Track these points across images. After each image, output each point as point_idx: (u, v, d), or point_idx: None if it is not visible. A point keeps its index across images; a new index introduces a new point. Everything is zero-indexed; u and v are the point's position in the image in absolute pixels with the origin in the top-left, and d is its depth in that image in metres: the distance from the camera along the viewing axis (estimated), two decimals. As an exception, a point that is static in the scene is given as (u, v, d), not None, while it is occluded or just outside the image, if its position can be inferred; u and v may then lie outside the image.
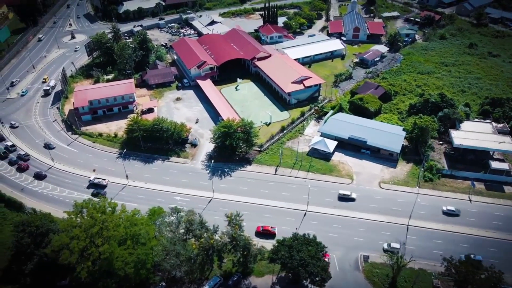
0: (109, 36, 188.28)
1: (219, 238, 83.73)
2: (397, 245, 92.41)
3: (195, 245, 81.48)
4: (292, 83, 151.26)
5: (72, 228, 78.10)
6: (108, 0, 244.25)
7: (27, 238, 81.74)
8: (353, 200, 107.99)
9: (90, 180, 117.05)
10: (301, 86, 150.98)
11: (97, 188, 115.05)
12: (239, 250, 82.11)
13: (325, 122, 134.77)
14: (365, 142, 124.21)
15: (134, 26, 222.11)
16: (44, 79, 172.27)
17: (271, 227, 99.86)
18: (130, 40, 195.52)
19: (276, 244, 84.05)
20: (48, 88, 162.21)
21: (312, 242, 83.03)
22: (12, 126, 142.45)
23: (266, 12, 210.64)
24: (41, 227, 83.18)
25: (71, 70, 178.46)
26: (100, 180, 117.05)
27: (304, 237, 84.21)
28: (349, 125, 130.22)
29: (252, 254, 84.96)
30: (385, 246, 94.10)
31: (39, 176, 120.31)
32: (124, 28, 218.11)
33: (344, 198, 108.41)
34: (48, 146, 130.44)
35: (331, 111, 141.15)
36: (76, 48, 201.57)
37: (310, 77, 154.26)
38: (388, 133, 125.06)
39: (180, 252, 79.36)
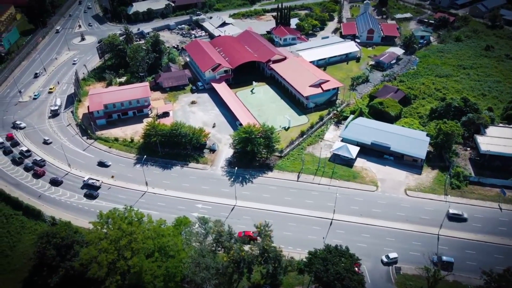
0: (121, 38, 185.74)
1: (250, 249, 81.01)
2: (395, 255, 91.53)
3: (226, 257, 78.75)
4: (309, 86, 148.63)
5: (100, 240, 75.43)
6: (118, 1, 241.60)
7: (52, 250, 79.09)
8: (465, 220, 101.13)
9: (84, 181, 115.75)
10: (319, 90, 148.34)
11: (90, 189, 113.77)
12: (270, 262, 79.41)
13: (346, 127, 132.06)
14: (388, 148, 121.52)
15: (138, 29, 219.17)
16: (50, 88, 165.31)
17: (253, 232, 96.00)
18: (142, 42, 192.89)
19: (309, 256, 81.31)
20: (56, 108, 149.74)
21: (345, 254, 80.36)
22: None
23: (278, 13, 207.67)
24: (66, 238, 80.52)
25: (83, 73, 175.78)
26: (94, 181, 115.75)
27: (336, 249, 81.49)
28: (371, 130, 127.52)
29: (283, 266, 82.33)
30: (384, 258, 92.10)
31: (55, 182, 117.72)
32: (134, 29, 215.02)
33: (454, 218, 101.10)
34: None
35: (351, 116, 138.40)
36: (74, 61, 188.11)
37: (328, 81, 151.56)
38: (412, 139, 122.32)
39: (211, 265, 76.68)
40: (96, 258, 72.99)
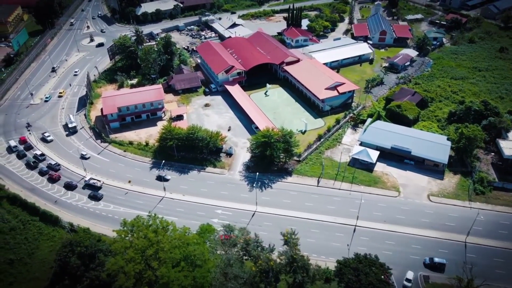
0: (132, 39, 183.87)
1: (278, 259, 79.07)
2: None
3: (254, 267, 76.84)
4: (325, 89, 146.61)
5: (125, 250, 73.50)
6: (126, 2, 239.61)
7: (76, 259, 77.13)
8: None
9: (86, 181, 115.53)
10: (335, 93, 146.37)
11: (91, 189, 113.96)
12: (299, 272, 77.46)
13: (365, 130, 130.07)
14: (409, 152, 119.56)
15: (152, 33, 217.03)
16: (60, 92, 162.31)
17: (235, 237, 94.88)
18: (153, 43, 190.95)
19: (339, 266, 79.39)
20: (74, 125, 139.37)
21: (375, 263, 78.45)
22: (45, 139, 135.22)
23: (290, 14, 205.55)
24: (90, 247, 78.57)
25: (94, 75, 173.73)
26: (95, 181, 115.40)
27: (366, 258, 79.59)
28: (390, 134, 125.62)
29: (310, 275, 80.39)
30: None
31: (70, 187, 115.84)
32: (146, 30, 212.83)
33: None
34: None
35: (369, 119, 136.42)
36: (76, 72, 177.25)
37: (344, 83, 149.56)
38: (432, 143, 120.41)
39: (239, 274, 74.80)
40: (123, 268, 71.00)
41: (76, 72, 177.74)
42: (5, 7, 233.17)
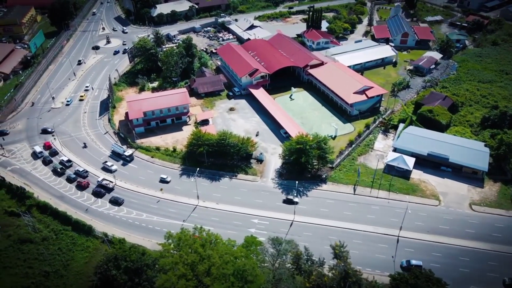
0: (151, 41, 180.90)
1: (331, 274, 76.05)
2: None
3: (307, 283, 73.82)
4: (354, 93, 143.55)
5: (175, 265, 70.46)
6: (141, 3, 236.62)
7: (123, 275, 74.04)
8: None
9: (98, 181, 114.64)
10: (363, 97, 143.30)
11: (104, 189, 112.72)
12: (354, 287, 74.52)
13: (398, 136, 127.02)
14: (447, 159, 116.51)
15: (168, 34, 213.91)
16: (81, 96, 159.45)
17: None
18: (171, 45, 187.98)
19: (395, 282, 76.35)
20: (130, 153, 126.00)
21: (432, 278, 75.42)
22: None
23: (310, 16, 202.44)
24: (136, 262, 75.47)
25: (114, 78, 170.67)
26: (107, 182, 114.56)
27: (421, 273, 76.55)
28: (425, 139, 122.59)
29: (363, 290, 77.46)
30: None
31: (98, 194, 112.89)
32: (162, 32, 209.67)
33: None
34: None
35: (402, 124, 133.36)
36: (87, 87, 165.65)
37: (372, 87, 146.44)
38: (471, 149, 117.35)
39: (292, 291, 71.92)
40: (175, 285, 67.95)
41: (87, 87, 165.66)
42: (19, 8, 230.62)
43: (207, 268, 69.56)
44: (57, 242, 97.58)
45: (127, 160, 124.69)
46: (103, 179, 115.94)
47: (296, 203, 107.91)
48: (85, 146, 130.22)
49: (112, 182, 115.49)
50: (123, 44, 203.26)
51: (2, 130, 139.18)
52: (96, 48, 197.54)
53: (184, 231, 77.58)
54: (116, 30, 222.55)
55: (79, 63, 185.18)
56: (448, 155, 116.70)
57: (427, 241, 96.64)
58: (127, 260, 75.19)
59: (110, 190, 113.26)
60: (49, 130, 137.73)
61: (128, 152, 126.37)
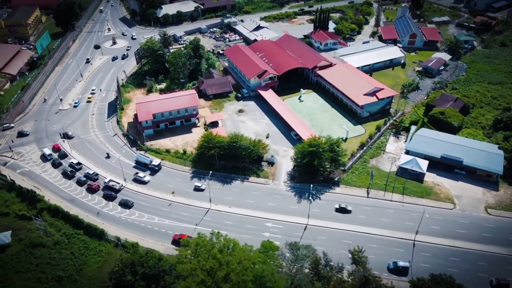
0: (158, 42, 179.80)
1: (350, 280, 74.96)
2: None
3: (327, 289, 72.87)
4: (364, 95, 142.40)
5: (193, 271, 69.35)
6: (146, 4, 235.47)
7: (141, 281, 72.94)
8: None
9: (105, 182, 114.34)
10: (374, 99, 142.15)
11: (110, 191, 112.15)
12: (375, 294, 73.49)
13: (411, 139, 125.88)
14: (461, 162, 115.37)
15: (174, 34, 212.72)
16: (88, 97, 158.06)
17: (188, 236, 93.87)
18: (178, 46, 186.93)
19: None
20: (158, 162, 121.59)
21: (453, 285, 74.30)
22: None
23: (317, 16, 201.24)
24: (154, 268, 74.34)
25: (122, 79, 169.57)
26: (114, 183, 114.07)
27: (442, 278, 75.44)
28: (438, 142, 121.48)
29: (382, 296, 76.37)
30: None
31: (109, 197, 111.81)
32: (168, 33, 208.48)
33: None
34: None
35: (414, 127, 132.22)
36: (93, 90, 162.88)
37: (383, 89, 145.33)
38: (484, 152, 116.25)
39: (312, 297, 70.83)
40: (194, 292, 66.94)
41: (93, 90, 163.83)
42: (24, 8, 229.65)
43: (226, 274, 68.42)
44: (69, 246, 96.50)
45: (155, 170, 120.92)
46: (110, 180, 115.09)
47: (350, 211, 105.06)
48: (108, 157, 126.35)
49: (118, 183, 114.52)
50: (127, 49, 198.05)
51: (22, 131, 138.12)
52: (97, 47, 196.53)
53: (201, 236, 76.43)
54: (126, 35, 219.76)
55: (88, 61, 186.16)
56: (462, 157, 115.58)
57: (443, 246, 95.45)
58: (144, 266, 74.14)
59: (117, 191, 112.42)
60: (70, 134, 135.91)
61: (156, 161, 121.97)
